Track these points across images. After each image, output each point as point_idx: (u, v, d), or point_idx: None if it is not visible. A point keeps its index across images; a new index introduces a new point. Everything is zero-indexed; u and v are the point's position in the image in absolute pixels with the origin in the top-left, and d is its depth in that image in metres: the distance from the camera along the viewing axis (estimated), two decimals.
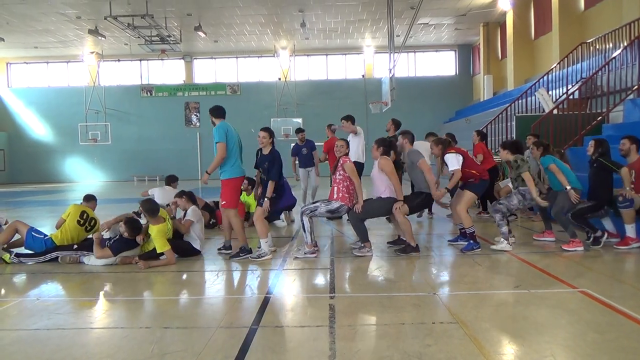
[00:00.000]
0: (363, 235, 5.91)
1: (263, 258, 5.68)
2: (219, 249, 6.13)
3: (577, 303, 3.89)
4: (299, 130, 10.20)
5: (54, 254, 5.79)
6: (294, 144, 10.31)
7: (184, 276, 5.22)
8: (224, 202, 5.80)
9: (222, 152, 5.70)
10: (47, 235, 5.98)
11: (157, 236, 5.51)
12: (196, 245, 5.98)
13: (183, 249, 5.89)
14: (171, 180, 8.58)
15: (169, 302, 4.39)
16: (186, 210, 6.20)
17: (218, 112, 5.96)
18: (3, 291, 4.91)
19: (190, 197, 6.33)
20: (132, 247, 5.69)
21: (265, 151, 5.85)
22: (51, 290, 4.81)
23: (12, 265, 5.71)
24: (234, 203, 5.82)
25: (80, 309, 4.20)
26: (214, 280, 5.10)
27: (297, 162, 10.20)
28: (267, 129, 5.88)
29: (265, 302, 4.07)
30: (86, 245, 5.81)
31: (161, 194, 8.05)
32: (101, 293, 4.71)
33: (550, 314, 3.66)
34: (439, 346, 3.08)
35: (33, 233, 5.98)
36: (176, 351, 3.08)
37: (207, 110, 6.08)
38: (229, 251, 5.98)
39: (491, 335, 3.26)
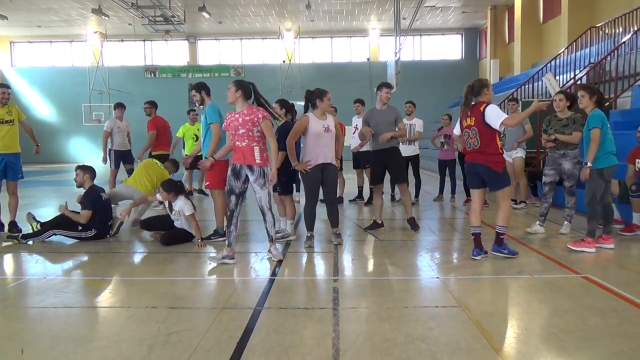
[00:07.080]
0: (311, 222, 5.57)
1: (287, 238, 5.83)
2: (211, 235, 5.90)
3: (580, 288, 3.90)
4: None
5: (55, 231, 5.82)
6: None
7: (189, 258, 5.26)
8: (207, 182, 5.70)
9: (218, 132, 5.57)
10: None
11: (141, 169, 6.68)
12: (189, 229, 5.81)
13: (180, 237, 5.77)
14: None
15: (174, 282, 4.43)
16: (171, 202, 5.81)
17: (208, 89, 5.80)
18: (11, 269, 4.97)
19: (176, 190, 5.79)
20: (98, 191, 6.04)
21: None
22: (58, 268, 4.85)
23: (20, 244, 5.76)
24: (217, 183, 5.63)
25: (87, 287, 4.25)
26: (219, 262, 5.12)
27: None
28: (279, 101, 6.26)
29: (269, 284, 4.10)
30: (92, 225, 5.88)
31: (110, 123, 8.99)
32: (108, 272, 4.74)
33: (553, 298, 3.68)
34: (441, 329, 3.11)
35: None
36: (181, 330, 3.12)
37: (198, 88, 5.69)
38: (223, 238, 5.61)
39: (494, 319, 3.28)
